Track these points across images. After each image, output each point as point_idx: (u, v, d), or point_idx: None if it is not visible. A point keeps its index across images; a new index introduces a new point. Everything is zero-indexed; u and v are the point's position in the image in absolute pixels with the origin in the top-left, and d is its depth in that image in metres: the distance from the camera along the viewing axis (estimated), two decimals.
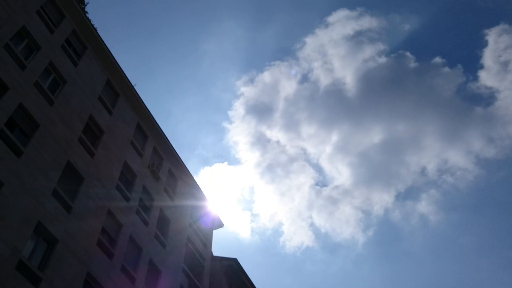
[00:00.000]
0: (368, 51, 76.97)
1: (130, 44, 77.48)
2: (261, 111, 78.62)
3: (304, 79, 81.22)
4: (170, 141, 24.95)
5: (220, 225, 28.70)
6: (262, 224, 78.94)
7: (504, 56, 71.29)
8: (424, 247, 75.58)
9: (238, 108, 79.87)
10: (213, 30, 78.80)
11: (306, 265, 79.38)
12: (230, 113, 79.76)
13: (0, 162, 13.09)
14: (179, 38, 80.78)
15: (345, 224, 76.61)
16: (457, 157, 74.09)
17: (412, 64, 76.66)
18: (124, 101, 22.26)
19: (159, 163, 23.89)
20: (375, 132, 75.12)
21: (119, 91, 22.06)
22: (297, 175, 78.30)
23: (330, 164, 77.94)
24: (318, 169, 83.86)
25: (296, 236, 77.08)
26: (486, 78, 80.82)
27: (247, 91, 79.66)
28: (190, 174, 26.26)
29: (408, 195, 79.12)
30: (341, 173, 77.92)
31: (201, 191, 26.92)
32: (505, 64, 71.61)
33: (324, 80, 77.73)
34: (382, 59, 78.10)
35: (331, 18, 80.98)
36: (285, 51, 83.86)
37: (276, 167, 78.74)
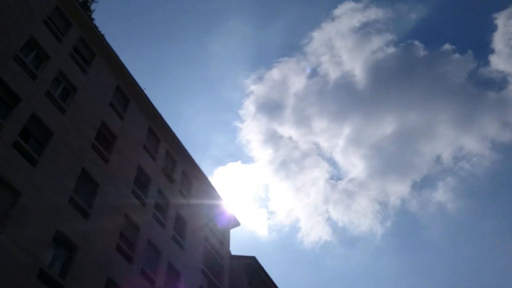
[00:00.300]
0: (376, 42, 76.29)
1: (138, 49, 77.98)
2: (271, 108, 78.50)
3: (313, 73, 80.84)
4: (183, 143, 25.03)
5: (237, 224, 28.69)
6: (279, 221, 78.94)
7: None
8: (443, 236, 74.87)
9: (249, 107, 79.81)
10: (219, 31, 78.91)
11: (325, 260, 79.15)
12: (240, 112, 79.87)
13: (17, 172, 13.23)
14: (186, 40, 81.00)
15: (362, 216, 76.14)
16: (472, 143, 73.20)
17: (421, 53, 75.76)
18: (134, 105, 22.36)
19: (173, 165, 23.96)
20: (387, 123, 74.53)
21: (129, 96, 22.16)
22: (311, 170, 78.05)
23: (343, 157, 77.57)
24: (332, 163, 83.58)
25: (314, 231, 76.89)
26: (498, 62, 79.68)
27: (257, 89, 79.56)
28: (204, 175, 26.30)
29: (424, 184, 78.39)
30: (356, 166, 77.49)
31: (216, 191, 26.94)
32: None
33: (333, 74, 77.35)
34: (391, 50, 77.38)
35: (337, 11, 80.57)
36: (293, 47, 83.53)
37: (289, 163, 78.63)
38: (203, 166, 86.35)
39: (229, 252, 26.56)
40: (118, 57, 21.60)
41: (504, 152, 72.04)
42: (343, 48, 76.81)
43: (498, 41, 74.47)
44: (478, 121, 72.38)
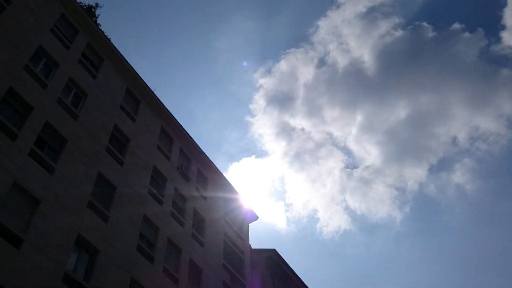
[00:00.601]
0: (383, 26, 75.37)
1: (145, 50, 78.36)
2: (282, 100, 78.28)
3: (321, 63, 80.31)
4: (196, 141, 25.13)
5: (255, 218, 28.79)
6: (297, 213, 78.83)
7: None
8: (463, 218, 74.02)
9: (259, 101, 79.73)
10: (224, 27, 78.77)
11: (346, 248, 78.93)
12: (251, 106, 79.75)
13: (34, 180, 13.45)
14: (192, 39, 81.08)
15: (380, 203, 75.66)
16: (488, 122, 71.89)
17: (430, 34, 74.61)
18: (145, 107, 22.50)
19: (188, 164, 24.09)
20: (399, 108, 73.71)
21: (139, 98, 22.31)
22: (326, 160, 77.75)
23: (358, 145, 76.98)
24: (347, 151, 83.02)
25: (333, 221, 76.73)
26: (510, 38, 77.75)
27: (266, 82, 79.36)
28: (219, 171, 26.39)
29: (441, 167, 77.37)
30: (370, 153, 76.88)
31: (232, 186, 27.03)
32: None
33: (342, 61, 76.66)
34: (399, 33, 76.37)
35: None
36: (299, 38, 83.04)
37: (304, 154, 78.41)
38: (218, 162, 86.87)
39: (249, 246, 26.67)
40: (126, 60, 21.74)
41: None
42: (350, 35, 76.13)
43: (509, 17, 73.01)
44: (493, 100, 71.13)
